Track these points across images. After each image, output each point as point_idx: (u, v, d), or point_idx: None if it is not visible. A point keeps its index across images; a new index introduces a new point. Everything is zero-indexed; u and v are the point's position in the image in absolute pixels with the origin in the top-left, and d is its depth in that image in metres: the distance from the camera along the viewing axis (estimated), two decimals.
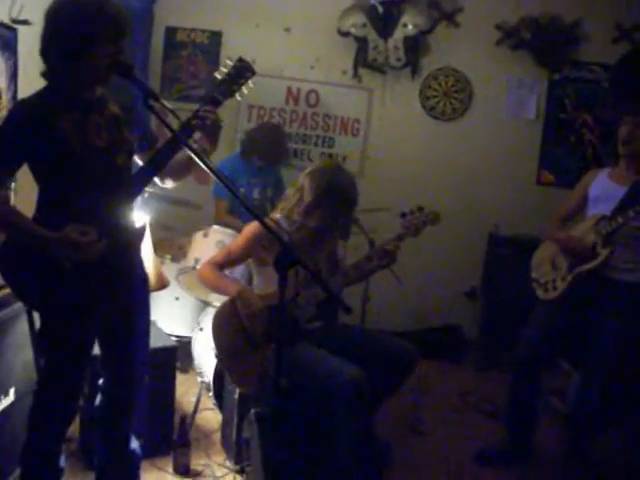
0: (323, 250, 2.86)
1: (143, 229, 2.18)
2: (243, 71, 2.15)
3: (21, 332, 2.42)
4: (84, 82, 1.97)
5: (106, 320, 2.13)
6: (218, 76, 2.16)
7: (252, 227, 2.74)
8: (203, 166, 1.86)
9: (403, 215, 2.82)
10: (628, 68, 4.47)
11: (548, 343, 3.05)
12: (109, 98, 2.07)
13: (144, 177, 2.07)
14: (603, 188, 2.96)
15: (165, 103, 1.94)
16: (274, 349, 1.96)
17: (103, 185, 1.99)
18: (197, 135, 2.14)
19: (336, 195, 2.69)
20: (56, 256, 1.89)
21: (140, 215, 2.78)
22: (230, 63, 2.16)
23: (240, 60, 2.17)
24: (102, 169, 1.99)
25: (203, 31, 4.76)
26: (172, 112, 1.97)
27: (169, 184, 2.32)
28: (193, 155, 1.91)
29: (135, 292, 2.23)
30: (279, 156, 4.22)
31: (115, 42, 1.92)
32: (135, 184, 2.05)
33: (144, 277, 2.31)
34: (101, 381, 2.33)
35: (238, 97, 2.19)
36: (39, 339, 2.13)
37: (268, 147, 4.09)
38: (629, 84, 4.44)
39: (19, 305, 2.36)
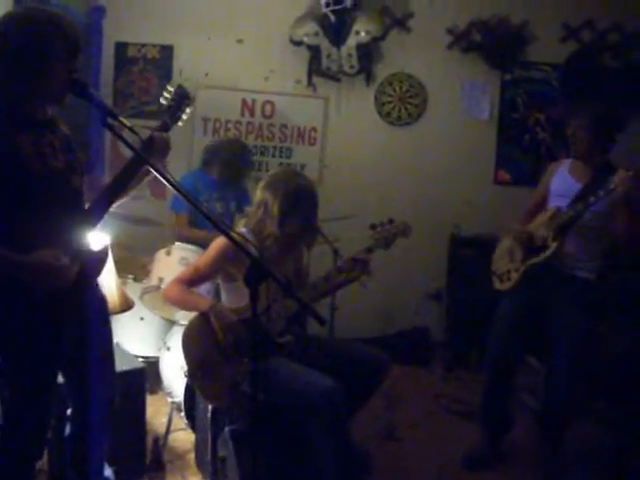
0: (290, 262, 2.84)
1: (105, 252, 2.10)
2: (183, 97, 2.21)
3: None
4: (40, 101, 1.91)
5: (69, 346, 2.05)
6: (164, 102, 2.22)
7: (219, 242, 2.66)
8: (166, 183, 1.82)
9: (373, 227, 2.77)
10: (575, 67, 4.58)
11: (516, 335, 3.07)
12: (59, 118, 2.02)
13: (107, 200, 2.00)
14: (563, 183, 3.00)
15: (124, 121, 1.90)
16: (247, 363, 1.93)
17: (63, 209, 1.93)
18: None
19: (306, 198, 2.68)
20: (28, 283, 1.81)
21: (100, 236, 2.73)
22: (171, 89, 2.22)
23: (179, 86, 2.23)
24: (61, 191, 1.94)
25: (154, 46, 4.67)
26: (131, 130, 1.91)
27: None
28: (155, 173, 1.87)
29: (94, 314, 2.17)
30: (240, 172, 4.14)
31: (70, 59, 1.87)
32: (97, 208, 1.98)
33: (101, 296, 2.27)
34: (69, 411, 2.26)
35: (179, 123, 2.25)
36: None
37: (230, 163, 4.01)
38: (576, 83, 4.54)
39: None
